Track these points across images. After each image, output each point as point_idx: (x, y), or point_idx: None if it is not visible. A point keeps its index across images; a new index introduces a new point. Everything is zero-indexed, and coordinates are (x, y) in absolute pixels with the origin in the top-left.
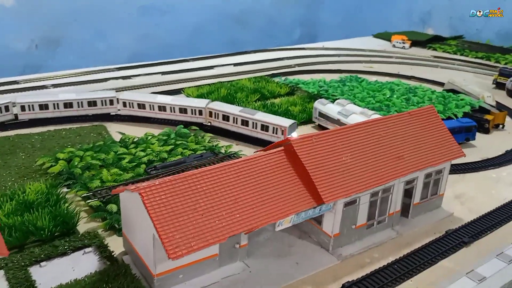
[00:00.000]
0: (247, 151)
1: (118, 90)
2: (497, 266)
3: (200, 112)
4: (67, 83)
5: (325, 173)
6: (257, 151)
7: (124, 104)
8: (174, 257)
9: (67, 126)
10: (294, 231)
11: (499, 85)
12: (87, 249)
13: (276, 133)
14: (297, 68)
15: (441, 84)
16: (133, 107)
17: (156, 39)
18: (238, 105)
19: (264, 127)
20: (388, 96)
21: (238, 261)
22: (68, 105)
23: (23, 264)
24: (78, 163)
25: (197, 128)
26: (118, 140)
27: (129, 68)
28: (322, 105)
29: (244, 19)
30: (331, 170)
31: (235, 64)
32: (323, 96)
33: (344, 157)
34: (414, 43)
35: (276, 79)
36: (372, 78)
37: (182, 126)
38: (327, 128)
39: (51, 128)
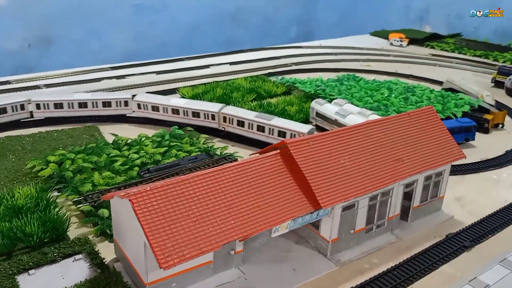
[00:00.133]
0: (243, 152)
1: (121, 89)
2: (500, 273)
3: (213, 117)
4: (60, 83)
5: (323, 177)
6: (253, 154)
7: (139, 106)
8: (165, 266)
9: (59, 128)
10: (291, 236)
11: (498, 84)
12: (77, 256)
13: None
14: (293, 67)
15: (439, 82)
16: (147, 109)
17: (150, 38)
18: (234, 105)
19: (282, 133)
20: (386, 95)
21: (233, 268)
22: (82, 105)
23: (10, 272)
24: (70, 166)
25: (192, 129)
26: (111, 141)
27: (123, 67)
28: (319, 105)
29: (240, 18)
30: (329, 173)
31: (231, 63)
32: (320, 95)
33: (342, 160)
34: (412, 41)
35: (273, 78)
36: (370, 77)
37: (176, 127)
38: (325, 129)
39: (43, 129)
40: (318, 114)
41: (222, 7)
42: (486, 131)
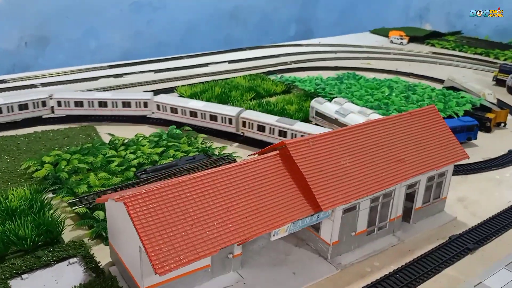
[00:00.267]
0: (242, 152)
1: (117, 88)
2: (506, 278)
3: (230, 121)
4: (56, 82)
5: (323, 178)
6: (251, 154)
7: (158, 107)
8: (161, 272)
9: (55, 127)
10: (291, 239)
11: (499, 82)
12: (72, 260)
13: None
14: (293, 65)
15: (440, 81)
16: (166, 111)
17: (148, 36)
18: (233, 105)
19: None
20: (386, 94)
21: (232, 272)
22: (102, 104)
23: (3, 276)
24: (65, 166)
25: (190, 129)
26: (107, 141)
27: (121, 66)
28: (319, 104)
29: (238, 16)
30: (329, 175)
31: (230, 62)
32: (320, 94)
33: (343, 161)
34: (412, 39)
35: (272, 77)
36: (370, 75)
37: (174, 126)
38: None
39: (38, 129)
40: (318, 113)
41: (221, 5)
42: (488, 130)
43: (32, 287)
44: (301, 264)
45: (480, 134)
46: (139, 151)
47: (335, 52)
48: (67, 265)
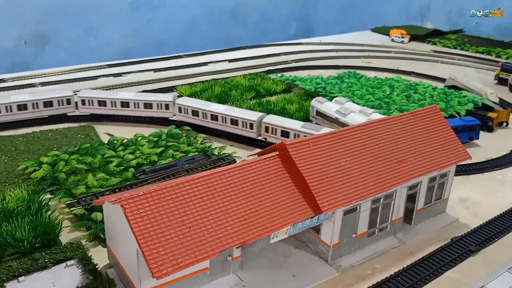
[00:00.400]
0: (241, 152)
1: (118, 87)
2: (509, 281)
3: (251, 126)
4: (55, 81)
5: (323, 180)
6: (250, 155)
7: (180, 110)
8: (158, 275)
9: (54, 127)
10: (291, 241)
11: (501, 81)
12: (69, 262)
13: None
14: (293, 64)
15: (442, 80)
16: (187, 114)
17: (148, 35)
18: (232, 104)
19: None
20: (388, 93)
21: (231, 274)
22: (125, 104)
23: None
24: (63, 167)
25: (190, 129)
26: (106, 141)
27: (120, 65)
28: (319, 104)
29: (238, 14)
30: (330, 176)
31: (230, 60)
32: (320, 93)
33: (343, 162)
34: (413, 38)
35: (272, 76)
36: (371, 74)
37: (173, 126)
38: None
39: (36, 129)
40: (319, 113)
41: (221, 4)
42: (490, 129)
43: None
44: (301, 266)
45: (482, 134)
46: (138, 151)
47: (336, 50)
48: (65, 267)
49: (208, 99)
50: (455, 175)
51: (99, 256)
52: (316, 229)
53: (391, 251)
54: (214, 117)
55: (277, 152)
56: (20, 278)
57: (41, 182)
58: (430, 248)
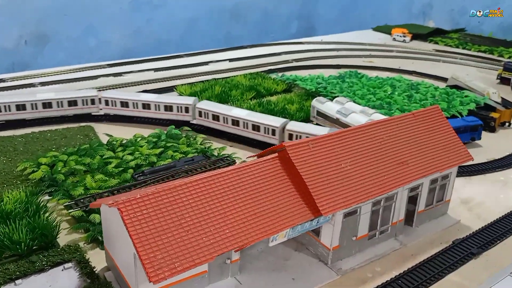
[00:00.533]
0: (241, 153)
1: (117, 87)
2: (511, 286)
3: (273, 132)
4: (55, 81)
5: (323, 182)
6: (250, 156)
7: (200, 114)
8: (155, 280)
9: (53, 127)
10: (290, 243)
11: (504, 80)
12: (66, 265)
13: None
14: (294, 63)
15: (443, 79)
16: (207, 118)
17: (148, 34)
18: (232, 104)
19: None
20: (389, 93)
21: (230, 278)
22: (146, 106)
23: None
24: (62, 168)
25: (189, 129)
26: (105, 142)
27: (120, 64)
28: (320, 104)
29: (239, 13)
30: (330, 178)
31: (230, 60)
32: (321, 93)
33: (344, 163)
34: (415, 36)
35: (273, 76)
36: (372, 74)
37: (173, 126)
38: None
39: (36, 129)
40: (319, 113)
41: (221, 3)
42: (492, 130)
43: None
44: (300, 269)
45: (484, 134)
46: (137, 152)
47: (337, 50)
48: (62, 270)
49: (208, 99)
50: (457, 176)
51: (97, 259)
52: (316, 232)
53: (392, 253)
54: (235, 122)
55: (276, 154)
56: (17, 281)
57: (40, 183)
58: (432, 251)
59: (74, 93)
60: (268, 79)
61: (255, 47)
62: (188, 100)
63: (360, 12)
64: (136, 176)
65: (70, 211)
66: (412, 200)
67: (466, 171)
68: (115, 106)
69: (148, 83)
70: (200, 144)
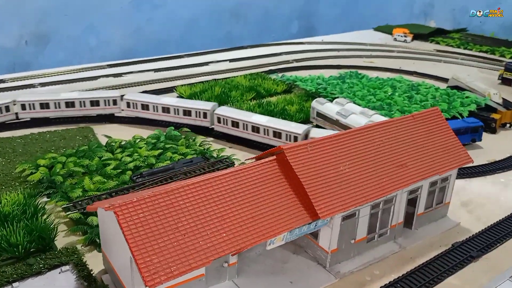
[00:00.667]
0: (241, 155)
1: (117, 87)
2: None
3: (296, 139)
4: (55, 81)
5: (321, 185)
6: (248, 159)
7: (219, 120)
8: (151, 284)
9: (52, 129)
10: (289, 246)
11: (505, 81)
12: (64, 268)
13: None
14: (295, 64)
15: (444, 80)
16: (226, 124)
17: (149, 34)
18: (233, 104)
19: None
20: (389, 94)
21: (227, 281)
22: (165, 110)
23: None
24: (60, 170)
25: (189, 130)
26: (104, 143)
27: (121, 65)
28: (320, 105)
29: (239, 13)
30: (328, 181)
31: (231, 60)
32: (321, 94)
33: (342, 166)
34: (416, 37)
35: (273, 76)
36: (373, 74)
37: (172, 128)
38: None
39: (35, 130)
40: (319, 114)
41: (222, 3)
42: (493, 131)
43: None
44: (298, 272)
45: (485, 136)
46: (135, 154)
47: (338, 50)
48: (59, 273)
49: (207, 100)
50: (457, 178)
51: (94, 261)
52: (314, 235)
53: (391, 256)
54: (256, 129)
55: (274, 157)
56: (14, 284)
57: (38, 185)
58: (431, 254)
59: (96, 93)
60: (268, 80)
61: (256, 47)
62: (207, 106)
63: (361, 12)
64: (135, 178)
65: (68, 213)
66: (412, 203)
67: (466, 172)
68: (136, 108)
69: (148, 84)
70: (199, 146)
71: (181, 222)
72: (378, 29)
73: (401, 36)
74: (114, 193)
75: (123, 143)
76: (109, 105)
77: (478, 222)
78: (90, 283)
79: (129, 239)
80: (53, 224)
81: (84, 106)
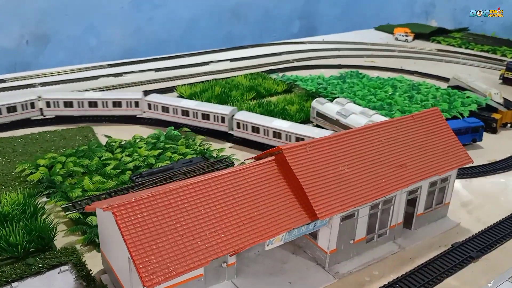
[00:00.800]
0: (240, 155)
1: (119, 87)
2: None
3: None
4: (56, 81)
5: (320, 185)
6: (247, 159)
7: (238, 125)
8: (149, 285)
9: (52, 128)
10: (288, 246)
11: (507, 81)
12: (63, 268)
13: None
14: (295, 63)
15: (445, 79)
16: (246, 130)
17: (149, 34)
18: (232, 104)
19: None
20: (390, 93)
21: (226, 281)
22: (185, 112)
23: None
24: (60, 169)
25: (189, 130)
26: (104, 143)
27: (121, 64)
28: (320, 105)
29: (240, 12)
30: (327, 181)
31: (231, 60)
32: (321, 94)
33: (341, 167)
34: (417, 36)
35: (273, 76)
36: (374, 74)
37: (172, 128)
38: (326, 129)
39: (35, 130)
40: (319, 114)
41: (222, 2)
42: (494, 131)
43: None
44: (297, 272)
45: (485, 136)
46: (135, 154)
47: (339, 49)
48: (58, 273)
49: (208, 100)
50: (457, 178)
51: (93, 261)
52: (314, 235)
53: (390, 257)
54: (277, 135)
55: (273, 157)
56: (14, 284)
57: (38, 185)
58: (430, 254)
59: (119, 94)
60: (269, 80)
61: (256, 47)
62: (225, 110)
63: (362, 11)
64: (134, 178)
65: (67, 213)
66: (411, 203)
67: (467, 173)
68: (157, 110)
69: (149, 84)
70: (199, 146)
71: (179, 222)
72: (379, 28)
73: (402, 35)
74: (113, 193)
75: (123, 143)
76: (130, 106)
77: (478, 222)
78: (89, 283)
79: (127, 240)
80: (53, 224)
81: (107, 107)
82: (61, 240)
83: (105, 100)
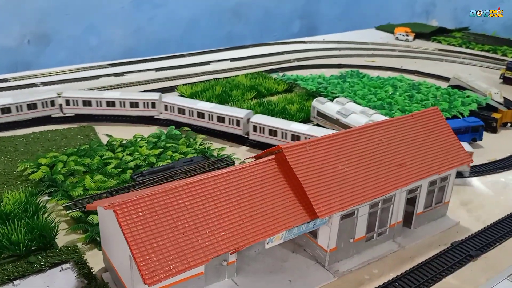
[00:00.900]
0: (241, 154)
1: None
2: None
3: None
4: (56, 81)
5: (320, 184)
6: (248, 158)
7: (254, 128)
8: (150, 282)
9: (53, 127)
10: (288, 245)
11: (507, 80)
12: (64, 266)
13: None
14: (296, 63)
15: (445, 79)
16: (263, 133)
17: (149, 33)
18: (232, 104)
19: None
20: (390, 93)
21: (226, 279)
22: (200, 115)
23: None
24: (61, 168)
25: (189, 129)
26: (105, 142)
27: (122, 64)
28: (320, 104)
29: (241, 12)
30: (326, 180)
31: (232, 59)
32: (322, 93)
33: (341, 166)
34: (418, 36)
35: (274, 75)
36: (374, 73)
37: (173, 127)
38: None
39: (36, 129)
40: (319, 113)
41: (223, 2)
42: (494, 130)
43: None
44: (297, 271)
45: (485, 135)
46: (136, 153)
47: (339, 49)
48: (60, 271)
49: (208, 100)
50: (457, 177)
51: (94, 260)
52: (313, 234)
53: (390, 256)
54: (296, 138)
55: (273, 156)
56: (15, 282)
57: (39, 183)
58: (430, 253)
59: (136, 95)
60: (269, 79)
61: (257, 46)
62: (240, 113)
63: (362, 11)
64: (135, 177)
65: (68, 211)
66: (411, 202)
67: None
68: (173, 111)
69: (149, 83)
70: (199, 145)
71: (180, 220)
72: (380, 28)
73: (403, 35)
74: (114, 192)
75: (124, 142)
76: (147, 107)
77: (478, 221)
78: (90, 281)
79: (128, 238)
80: (54, 222)
81: (124, 107)
82: (62, 239)
83: (123, 100)
